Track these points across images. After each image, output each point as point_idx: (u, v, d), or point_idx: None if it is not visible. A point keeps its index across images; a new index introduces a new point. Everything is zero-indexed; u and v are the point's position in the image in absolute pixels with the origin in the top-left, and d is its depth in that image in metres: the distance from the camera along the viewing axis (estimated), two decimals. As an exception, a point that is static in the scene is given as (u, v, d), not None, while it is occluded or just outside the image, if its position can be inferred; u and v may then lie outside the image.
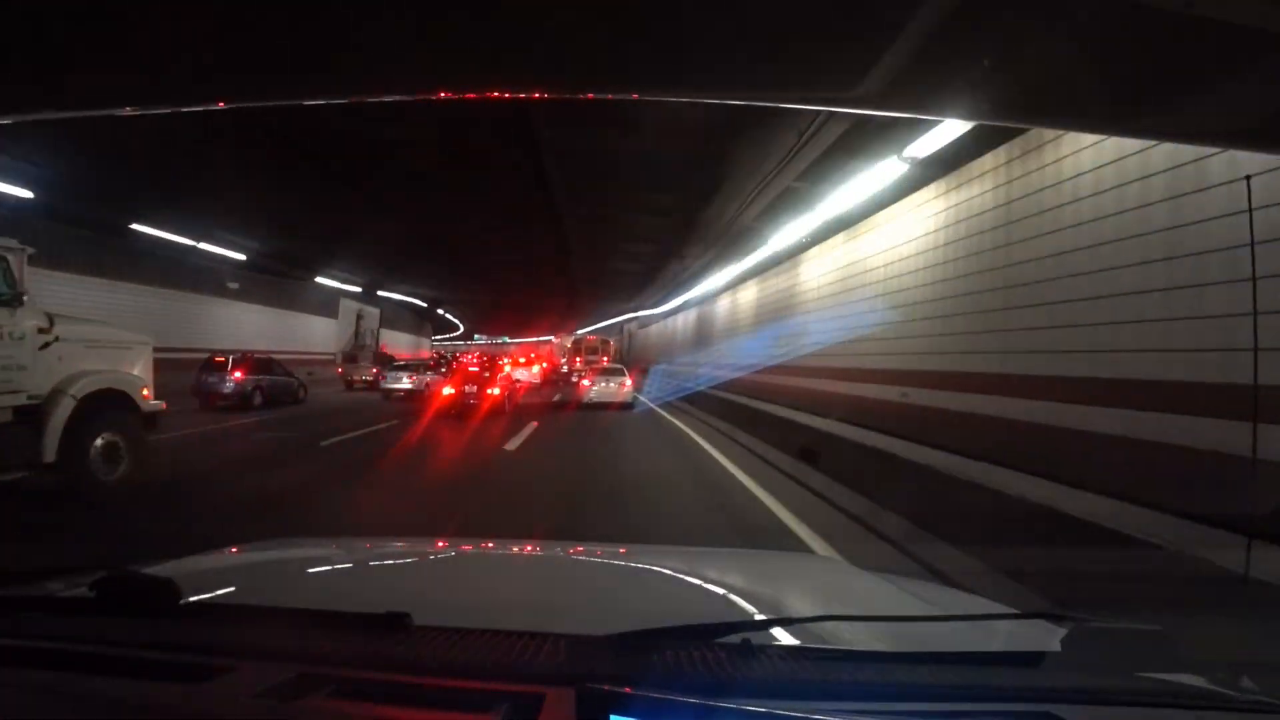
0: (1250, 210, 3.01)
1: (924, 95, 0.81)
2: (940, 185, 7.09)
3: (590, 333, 37.37)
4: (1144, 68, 0.71)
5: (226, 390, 13.78)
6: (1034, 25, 0.65)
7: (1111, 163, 4.44)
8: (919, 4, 0.62)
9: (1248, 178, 2.88)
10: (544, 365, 27.48)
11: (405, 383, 18.22)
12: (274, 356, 16.33)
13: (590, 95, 0.85)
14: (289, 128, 9.24)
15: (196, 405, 13.36)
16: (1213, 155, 3.52)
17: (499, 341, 56.76)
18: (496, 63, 0.77)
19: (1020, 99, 0.82)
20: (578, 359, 27.95)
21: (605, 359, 25.07)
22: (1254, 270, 3.06)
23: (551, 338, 46.93)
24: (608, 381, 15.16)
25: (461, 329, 52.13)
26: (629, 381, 15.40)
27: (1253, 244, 3.02)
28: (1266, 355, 3.03)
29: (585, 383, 15.54)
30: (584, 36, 0.71)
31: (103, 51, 0.74)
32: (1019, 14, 0.65)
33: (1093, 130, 2.98)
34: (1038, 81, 0.75)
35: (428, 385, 17.04)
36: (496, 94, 0.86)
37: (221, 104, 0.95)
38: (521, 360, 22.93)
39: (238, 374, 13.97)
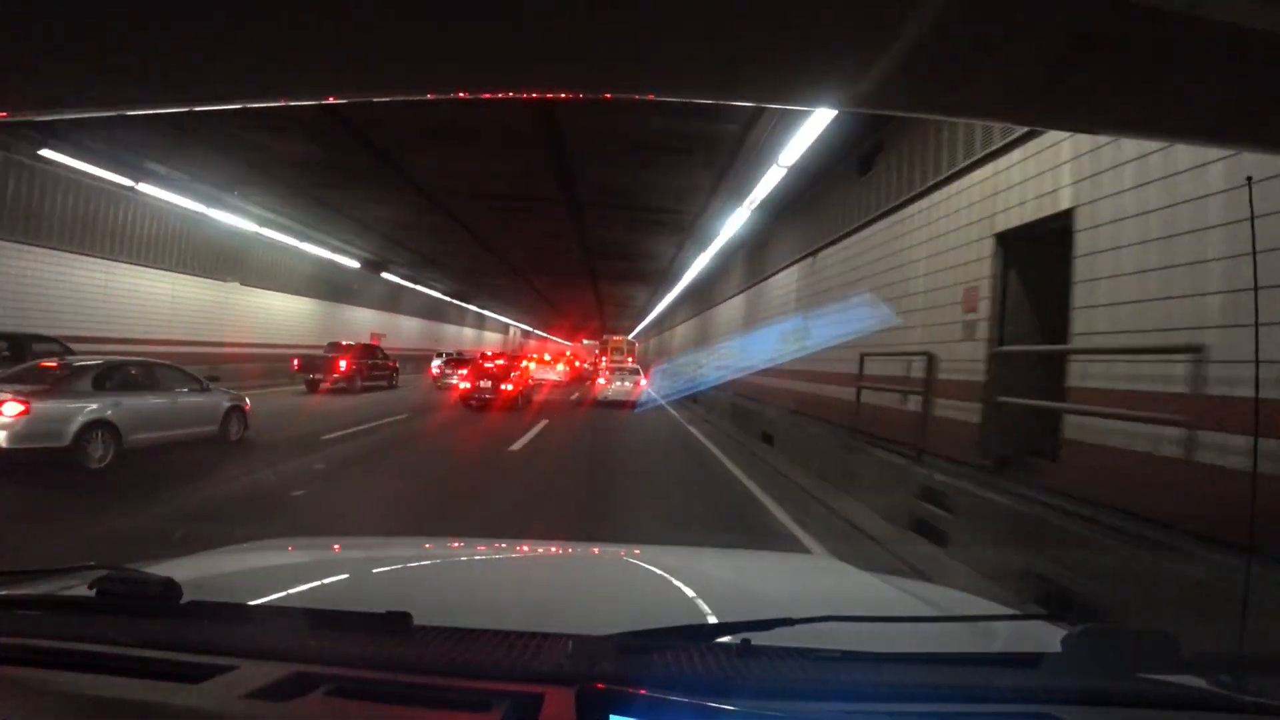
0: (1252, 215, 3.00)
1: (919, 94, 0.82)
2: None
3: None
4: (1144, 66, 0.71)
5: None
6: (1037, 20, 0.65)
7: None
8: (918, 4, 0.63)
9: (1249, 178, 2.86)
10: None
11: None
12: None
13: (591, 95, 0.87)
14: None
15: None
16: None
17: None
18: (504, 65, 0.77)
19: (1016, 98, 0.83)
20: (603, 357, 33.48)
21: (630, 359, 29.38)
22: (1255, 274, 3.04)
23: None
24: (623, 381, 17.77)
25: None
26: (643, 381, 18.08)
27: (1254, 249, 2.99)
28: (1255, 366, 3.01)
29: (601, 382, 18.31)
30: (593, 40, 0.71)
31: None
32: (1016, 13, 0.65)
33: (1089, 131, 2.99)
34: (1041, 80, 0.75)
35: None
36: (497, 94, 0.87)
37: (231, 104, 0.95)
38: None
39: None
